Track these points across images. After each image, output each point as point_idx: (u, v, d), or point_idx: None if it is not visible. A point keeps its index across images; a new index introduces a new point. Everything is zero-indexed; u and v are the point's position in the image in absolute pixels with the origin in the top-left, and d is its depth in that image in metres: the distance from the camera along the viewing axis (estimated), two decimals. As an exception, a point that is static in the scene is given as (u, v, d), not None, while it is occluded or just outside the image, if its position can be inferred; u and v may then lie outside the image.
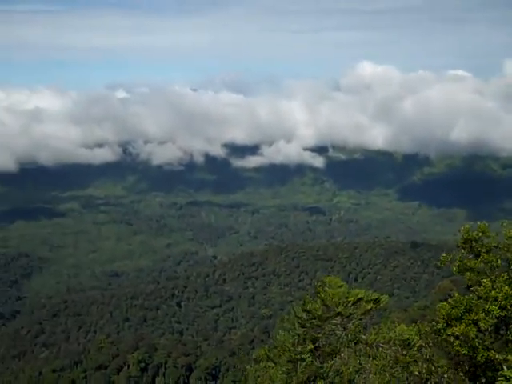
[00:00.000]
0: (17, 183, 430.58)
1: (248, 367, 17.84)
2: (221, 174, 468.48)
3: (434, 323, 17.78)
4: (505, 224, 18.76)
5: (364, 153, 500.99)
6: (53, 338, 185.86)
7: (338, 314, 16.23)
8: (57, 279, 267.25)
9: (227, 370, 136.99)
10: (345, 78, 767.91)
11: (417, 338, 17.21)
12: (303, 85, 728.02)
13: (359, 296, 16.40)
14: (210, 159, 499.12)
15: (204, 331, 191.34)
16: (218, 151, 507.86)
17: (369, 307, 16.51)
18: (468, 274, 18.38)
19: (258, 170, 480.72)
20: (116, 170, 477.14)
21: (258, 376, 16.91)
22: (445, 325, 17.29)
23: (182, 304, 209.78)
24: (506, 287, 16.93)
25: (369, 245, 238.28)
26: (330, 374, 16.04)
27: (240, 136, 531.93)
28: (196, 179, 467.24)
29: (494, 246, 18.71)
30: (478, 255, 18.68)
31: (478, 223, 19.17)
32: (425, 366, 16.88)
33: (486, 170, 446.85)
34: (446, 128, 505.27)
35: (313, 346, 16.33)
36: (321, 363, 16.32)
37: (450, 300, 17.59)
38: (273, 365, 16.54)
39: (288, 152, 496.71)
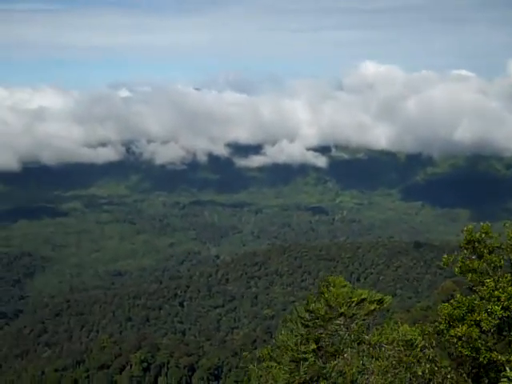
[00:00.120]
0: (20, 182, 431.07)
1: (251, 366, 17.83)
2: (224, 174, 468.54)
3: (436, 324, 17.76)
4: (507, 224, 18.71)
5: (367, 153, 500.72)
6: (55, 338, 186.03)
7: (341, 314, 16.22)
8: (59, 278, 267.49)
9: (230, 370, 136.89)
10: (348, 77, 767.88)
11: (420, 338, 17.19)
12: (306, 84, 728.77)
13: (363, 296, 16.40)
14: (213, 158, 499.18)
15: (206, 331, 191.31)
16: (221, 151, 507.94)
17: (372, 308, 16.51)
18: (470, 275, 18.35)
19: (261, 169, 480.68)
20: (119, 169, 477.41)
21: (261, 376, 16.91)
22: (447, 326, 17.27)
23: (185, 304, 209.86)
24: (510, 288, 16.90)
25: (372, 245, 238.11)
26: (333, 374, 16.03)
27: (243, 135, 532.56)
28: (199, 179, 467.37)
29: (497, 247, 18.67)
30: (480, 256, 18.64)
31: (481, 224, 19.14)
32: (428, 366, 16.86)
33: (489, 169, 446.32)
34: (449, 128, 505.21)
35: (316, 346, 16.33)
36: (323, 363, 16.31)
37: (452, 301, 17.57)
38: (276, 364, 16.53)
39: (291, 152, 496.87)
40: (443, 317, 17.38)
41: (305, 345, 16.34)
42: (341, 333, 16.57)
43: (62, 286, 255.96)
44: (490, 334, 17.11)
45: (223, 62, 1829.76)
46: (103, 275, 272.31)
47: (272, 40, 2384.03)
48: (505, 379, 14.17)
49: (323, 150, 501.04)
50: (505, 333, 17.48)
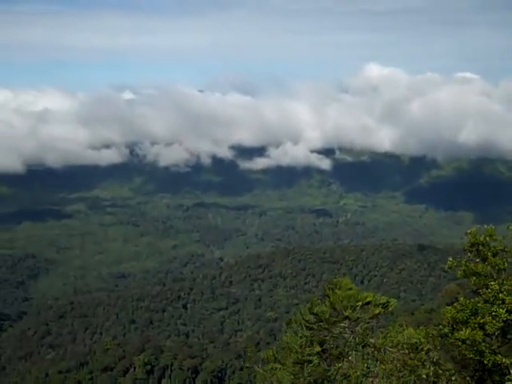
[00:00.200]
0: (24, 185, 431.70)
1: (256, 367, 17.85)
2: (228, 176, 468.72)
3: (440, 327, 17.74)
4: (511, 227, 18.68)
5: (371, 155, 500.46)
6: (59, 340, 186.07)
7: (346, 317, 16.21)
8: (63, 280, 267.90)
9: (233, 373, 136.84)
10: (351, 79, 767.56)
11: (425, 341, 17.18)
12: (310, 86, 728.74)
13: (368, 300, 16.38)
14: (216, 161, 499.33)
15: (210, 333, 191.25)
16: (225, 153, 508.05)
17: (377, 312, 16.49)
18: (474, 278, 18.33)
19: (265, 171, 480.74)
20: (123, 171, 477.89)
21: (266, 378, 16.92)
22: (451, 329, 17.26)
23: (188, 306, 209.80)
24: (514, 290, 16.89)
25: (375, 247, 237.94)
26: (338, 377, 16.03)
27: (247, 138, 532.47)
28: (203, 181, 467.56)
29: (501, 250, 18.64)
30: (484, 259, 18.61)
31: (485, 226, 19.12)
32: (432, 369, 16.85)
33: (493, 172, 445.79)
34: (453, 130, 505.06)
35: (320, 349, 16.33)
36: (328, 366, 16.31)
37: (455, 304, 17.55)
38: (280, 366, 16.54)
39: (295, 154, 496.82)
40: (447, 320, 17.37)
41: (309, 347, 16.34)
42: (345, 335, 16.56)
43: (66, 288, 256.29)
44: (494, 337, 17.09)
45: (226, 63, 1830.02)
46: (107, 277, 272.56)
47: (275, 42, 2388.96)
48: (509, 382, 14.17)
49: (327, 152, 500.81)
50: (509, 336, 17.45)
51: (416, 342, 16.87)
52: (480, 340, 16.57)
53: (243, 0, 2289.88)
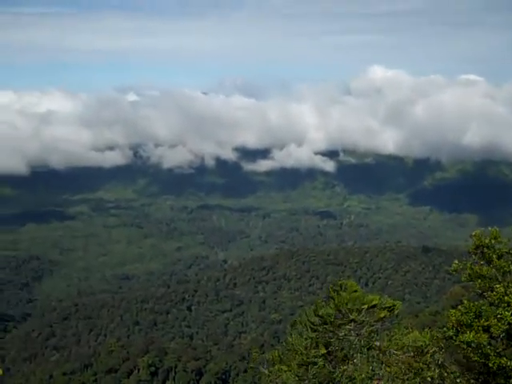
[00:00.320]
0: (28, 186, 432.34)
1: (261, 368, 17.85)
2: (231, 178, 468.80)
3: (444, 329, 17.73)
4: (517, 230, 18.68)
5: (375, 157, 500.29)
6: (63, 341, 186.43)
7: (352, 320, 16.20)
8: (67, 282, 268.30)
9: (237, 375, 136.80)
10: (355, 81, 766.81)
11: (431, 344, 17.17)
12: (314, 88, 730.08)
13: (374, 303, 16.35)
14: (220, 163, 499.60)
15: (214, 335, 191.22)
16: (228, 155, 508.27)
17: (382, 315, 16.47)
18: (479, 281, 18.31)
19: (268, 173, 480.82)
20: (126, 173, 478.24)
21: (271, 380, 16.92)
22: (455, 331, 17.24)
23: (193, 308, 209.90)
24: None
25: (380, 249, 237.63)
26: (343, 379, 16.02)
27: (251, 140, 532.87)
28: (207, 183, 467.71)
29: (506, 252, 18.63)
30: (489, 261, 18.59)
31: (490, 229, 19.10)
32: (437, 371, 16.85)
33: (498, 174, 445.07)
34: (457, 132, 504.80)
35: (325, 351, 16.32)
36: (333, 368, 16.31)
37: (459, 307, 17.54)
38: (285, 368, 16.54)
39: (299, 156, 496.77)
40: (451, 323, 17.36)
41: (315, 349, 16.35)
42: (351, 338, 16.55)
43: (70, 289, 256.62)
44: (499, 340, 17.08)
45: (229, 66, 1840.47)
46: (111, 279, 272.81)
47: (278, 44, 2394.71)
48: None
49: (331, 154, 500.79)
50: (514, 339, 17.44)
51: (421, 345, 16.86)
52: (485, 343, 16.56)
53: (247, 2, 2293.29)
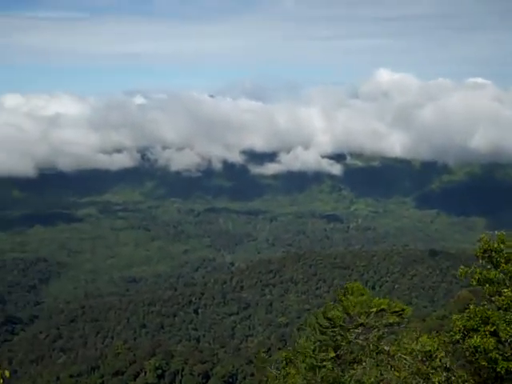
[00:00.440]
0: (36, 188, 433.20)
1: (269, 369, 17.92)
2: (239, 181, 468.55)
3: (451, 333, 17.73)
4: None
5: (382, 160, 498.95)
6: (70, 343, 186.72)
7: (361, 324, 16.23)
8: (75, 284, 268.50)
9: (244, 378, 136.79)
10: (362, 85, 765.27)
11: (440, 349, 17.18)
12: (321, 92, 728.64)
13: (382, 306, 16.38)
14: (228, 166, 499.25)
15: (221, 338, 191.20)
16: (236, 158, 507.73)
17: (391, 320, 16.50)
18: (487, 285, 18.30)
19: (275, 177, 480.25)
20: (134, 175, 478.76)
21: (279, 382, 16.98)
22: (462, 336, 17.25)
23: (199, 311, 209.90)
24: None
25: (386, 253, 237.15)
26: (351, 383, 16.06)
27: (258, 143, 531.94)
28: (214, 186, 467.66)
29: (514, 256, 18.62)
30: (497, 265, 18.59)
31: (497, 232, 19.10)
32: (444, 375, 16.87)
33: (505, 177, 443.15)
34: (465, 135, 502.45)
35: (334, 354, 16.37)
36: (342, 371, 16.35)
37: (465, 312, 17.54)
38: (294, 370, 16.59)
39: (306, 159, 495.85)
40: (457, 328, 17.37)
41: (324, 352, 16.39)
42: (359, 341, 16.58)
43: (77, 291, 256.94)
44: (507, 344, 17.08)
45: (237, 69, 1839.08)
46: (118, 281, 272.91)
47: (285, 47, 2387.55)
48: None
49: (338, 157, 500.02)
50: (522, 343, 17.42)
51: (430, 350, 16.87)
52: (492, 348, 16.56)
53: (255, 6, 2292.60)
